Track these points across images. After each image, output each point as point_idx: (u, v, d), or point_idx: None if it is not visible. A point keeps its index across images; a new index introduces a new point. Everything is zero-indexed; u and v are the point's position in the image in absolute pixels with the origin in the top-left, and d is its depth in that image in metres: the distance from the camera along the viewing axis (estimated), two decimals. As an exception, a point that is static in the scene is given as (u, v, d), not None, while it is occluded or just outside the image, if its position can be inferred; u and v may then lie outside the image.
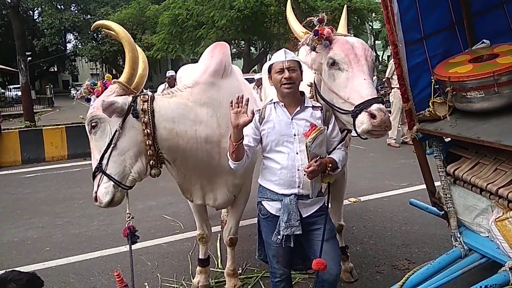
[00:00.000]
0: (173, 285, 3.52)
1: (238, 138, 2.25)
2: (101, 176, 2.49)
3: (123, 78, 2.58)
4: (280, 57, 2.36)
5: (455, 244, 2.68)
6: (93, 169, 2.50)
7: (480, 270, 2.65)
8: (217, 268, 3.78)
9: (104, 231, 4.83)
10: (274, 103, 2.43)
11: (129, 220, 2.64)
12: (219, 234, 4.20)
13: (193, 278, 3.49)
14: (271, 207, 2.42)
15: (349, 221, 4.59)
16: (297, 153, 2.32)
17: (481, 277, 2.35)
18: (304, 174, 2.24)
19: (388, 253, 3.93)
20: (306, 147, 2.21)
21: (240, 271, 3.64)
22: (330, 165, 2.28)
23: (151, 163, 2.60)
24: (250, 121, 2.22)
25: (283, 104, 2.39)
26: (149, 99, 2.55)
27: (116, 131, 2.47)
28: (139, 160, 2.57)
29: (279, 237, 2.34)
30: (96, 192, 2.50)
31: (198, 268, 3.41)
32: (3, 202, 6.18)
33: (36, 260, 4.11)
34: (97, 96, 2.56)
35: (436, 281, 2.47)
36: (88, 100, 2.62)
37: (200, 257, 3.40)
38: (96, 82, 2.62)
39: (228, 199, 3.05)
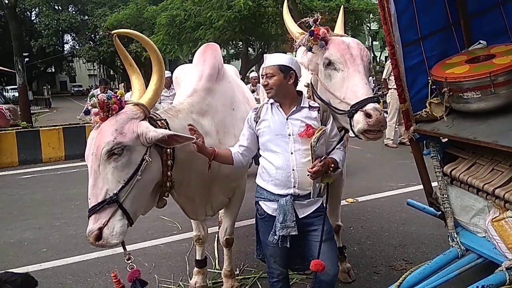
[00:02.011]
0: (170, 286, 3.51)
1: (207, 154, 2.39)
2: (114, 210, 2.06)
3: (146, 100, 2.27)
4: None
5: (452, 244, 2.69)
6: (99, 200, 2.03)
7: (477, 270, 2.66)
8: (214, 269, 3.78)
9: (101, 232, 4.81)
10: (271, 103, 2.44)
11: (131, 262, 2.27)
12: (216, 235, 4.19)
13: (190, 279, 3.48)
14: (268, 207, 2.43)
15: (347, 221, 4.59)
16: (291, 153, 2.33)
17: (478, 277, 2.36)
18: (308, 175, 2.24)
19: (386, 254, 3.94)
20: (311, 147, 2.22)
21: (237, 272, 3.64)
22: (332, 165, 2.30)
23: (166, 195, 2.38)
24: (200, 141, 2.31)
25: (278, 104, 2.40)
26: (167, 125, 2.33)
27: (143, 160, 2.13)
28: (152, 193, 2.32)
29: (275, 237, 2.34)
30: (101, 229, 2.03)
31: (195, 269, 3.40)
32: (0, 203, 6.15)
33: (32, 261, 4.09)
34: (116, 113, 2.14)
35: (433, 281, 2.48)
36: (88, 113, 2.17)
37: (197, 258, 3.40)
38: (111, 96, 2.13)
39: (223, 202, 3.07)
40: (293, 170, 2.32)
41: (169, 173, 2.31)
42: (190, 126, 2.33)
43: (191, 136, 2.24)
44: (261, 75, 2.39)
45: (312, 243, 2.41)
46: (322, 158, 2.25)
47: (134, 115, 2.18)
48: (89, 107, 2.13)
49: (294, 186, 2.33)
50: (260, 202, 2.48)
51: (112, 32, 2.38)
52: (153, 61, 2.36)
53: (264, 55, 2.44)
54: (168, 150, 2.29)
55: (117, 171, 2.07)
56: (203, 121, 2.65)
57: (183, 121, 2.49)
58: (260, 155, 2.49)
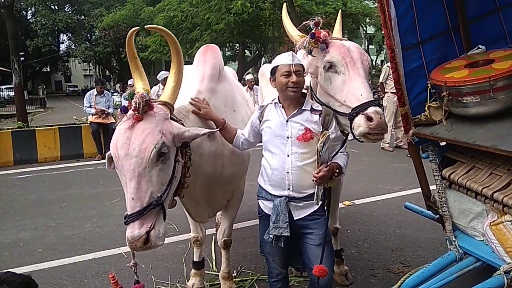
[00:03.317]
0: (167, 288, 3.51)
1: (217, 122, 2.57)
2: (158, 213, 2.05)
3: (168, 98, 2.24)
4: (286, 60, 2.35)
5: (450, 248, 2.69)
6: (145, 204, 1.97)
7: (475, 274, 2.67)
8: (211, 271, 3.77)
9: (97, 233, 4.80)
10: (274, 103, 2.45)
11: (136, 273, 2.33)
12: (213, 237, 4.18)
13: (187, 281, 3.47)
14: (265, 206, 2.47)
15: (344, 224, 4.59)
16: (288, 156, 2.33)
17: (476, 280, 2.37)
18: (313, 180, 2.25)
19: (383, 257, 3.94)
20: (317, 152, 2.23)
21: (235, 273, 3.63)
22: (337, 170, 2.31)
23: (181, 196, 2.38)
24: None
25: (281, 105, 2.41)
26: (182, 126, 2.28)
27: (176, 161, 2.13)
28: None
29: (270, 236, 2.35)
30: (149, 233, 1.98)
31: (193, 270, 3.40)
32: (-5, 203, 6.11)
33: (28, 262, 4.06)
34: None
35: (432, 284, 2.49)
36: (126, 110, 2.08)
37: (194, 260, 3.39)
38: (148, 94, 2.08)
39: (222, 204, 3.07)
40: (287, 172, 2.33)
41: (187, 174, 2.30)
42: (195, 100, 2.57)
43: (216, 129, 2.43)
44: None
45: (308, 246, 2.41)
46: (328, 163, 2.28)
47: (166, 115, 2.14)
48: (133, 105, 2.01)
49: (289, 189, 2.34)
50: (259, 201, 2.51)
51: (146, 26, 2.39)
52: (173, 61, 2.33)
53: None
54: (189, 151, 2.29)
55: (162, 173, 2.05)
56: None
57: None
58: (263, 155, 2.50)
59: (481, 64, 2.59)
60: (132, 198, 1.97)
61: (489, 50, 2.74)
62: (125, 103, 2.16)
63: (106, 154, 2.18)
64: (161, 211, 2.05)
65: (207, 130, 2.25)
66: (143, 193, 1.98)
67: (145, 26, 2.44)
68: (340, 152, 2.46)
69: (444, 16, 2.88)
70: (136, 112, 2.01)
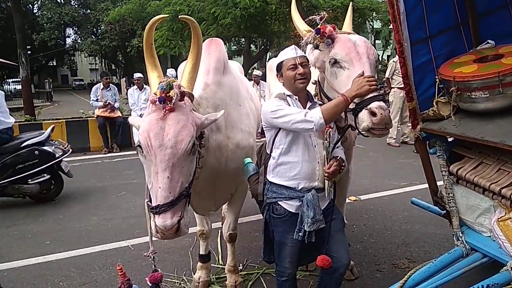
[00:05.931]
0: (174, 280, 3.53)
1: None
2: (185, 202, 2.09)
3: (187, 88, 2.21)
4: (291, 53, 2.38)
5: (457, 244, 2.69)
6: (177, 194, 2.01)
7: (482, 270, 2.67)
8: (218, 264, 3.79)
9: (104, 226, 4.84)
10: (287, 96, 2.40)
11: (154, 262, 2.39)
12: (219, 230, 4.20)
13: (194, 274, 3.49)
14: (290, 205, 2.39)
15: (350, 219, 4.60)
16: (314, 146, 2.35)
17: (482, 276, 2.37)
18: (325, 175, 2.28)
19: (388, 252, 3.95)
20: (325, 148, 2.27)
21: (240, 267, 3.65)
22: (343, 164, 2.34)
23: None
24: None
25: (296, 98, 2.40)
26: None
27: (198, 152, 2.19)
28: None
29: (300, 234, 2.33)
30: (179, 222, 2.02)
31: (199, 263, 3.42)
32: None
33: (36, 254, 4.10)
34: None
35: (438, 279, 2.49)
36: (164, 101, 2.02)
37: (200, 253, 3.41)
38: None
39: (226, 198, 3.09)
40: (318, 162, 2.35)
41: (200, 164, 2.31)
42: None
43: (222, 111, 2.32)
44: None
45: (330, 233, 2.42)
46: (338, 158, 2.32)
47: (191, 105, 2.17)
48: (171, 96, 2.02)
49: (318, 179, 2.36)
50: (280, 202, 2.42)
51: (181, 17, 2.37)
52: (192, 51, 2.32)
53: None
54: (203, 142, 2.31)
55: (191, 164, 2.12)
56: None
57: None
58: (280, 152, 2.41)
59: (490, 59, 2.57)
60: (165, 188, 1.98)
61: (498, 45, 2.73)
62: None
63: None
64: (187, 200, 2.11)
65: (220, 113, 2.27)
66: (175, 183, 2.00)
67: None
68: (337, 147, 2.47)
69: (453, 10, 2.86)
70: (169, 103, 2.02)
